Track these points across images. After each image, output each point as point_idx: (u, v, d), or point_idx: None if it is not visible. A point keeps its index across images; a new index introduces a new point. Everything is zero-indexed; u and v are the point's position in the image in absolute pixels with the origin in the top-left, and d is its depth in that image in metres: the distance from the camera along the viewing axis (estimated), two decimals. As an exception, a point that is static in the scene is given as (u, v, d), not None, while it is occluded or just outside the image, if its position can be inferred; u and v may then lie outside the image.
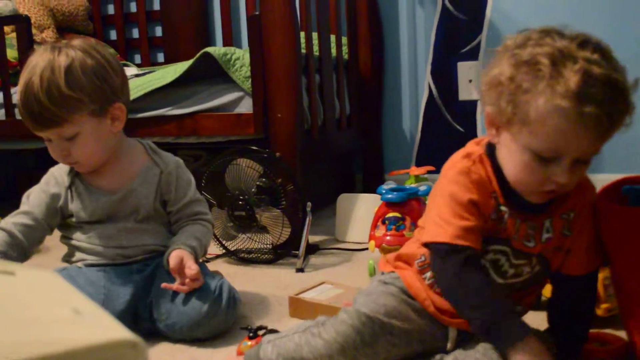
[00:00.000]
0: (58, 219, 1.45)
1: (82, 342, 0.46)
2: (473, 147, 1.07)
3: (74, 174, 1.45)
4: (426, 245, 1.07)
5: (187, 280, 1.36)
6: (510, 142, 0.98)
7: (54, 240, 1.55)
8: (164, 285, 1.37)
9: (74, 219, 1.45)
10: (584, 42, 0.92)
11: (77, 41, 1.38)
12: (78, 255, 1.45)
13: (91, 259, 1.43)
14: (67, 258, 1.49)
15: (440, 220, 1.03)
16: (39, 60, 1.33)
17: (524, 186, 1.01)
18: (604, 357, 1.18)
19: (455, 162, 1.06)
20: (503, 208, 1.04)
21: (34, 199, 1.45)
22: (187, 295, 1.37)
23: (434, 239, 1.04)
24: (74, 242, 1.46)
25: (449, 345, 1.12)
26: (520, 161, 0.97)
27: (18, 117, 2.44)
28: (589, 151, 0.95)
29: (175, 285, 1.36)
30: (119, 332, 0.49)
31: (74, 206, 1.43)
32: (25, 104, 1.32)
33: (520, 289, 1.13)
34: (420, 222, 1.20)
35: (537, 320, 1.17)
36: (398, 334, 1.09)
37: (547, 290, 1.47)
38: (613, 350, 1.20)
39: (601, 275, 1.32)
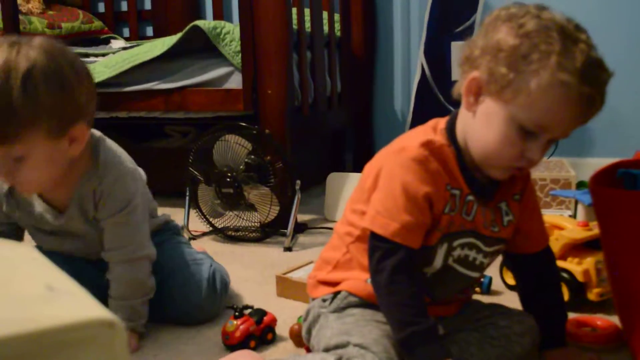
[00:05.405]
0: None
1: (54, 321, 0.43)
2: (433, 135, 1.01)
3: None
4: (370, 232, 0.99)
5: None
6: (496, 111, 0.94)
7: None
8: None
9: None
10: (578, 25, 0.93)
11: (39, 40, 1.11)
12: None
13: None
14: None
15: (385, 211, 0.97)
16: None
17: (495, 160, 0.97)
18: (595, 342, 1.17)
19: (411, 146, 0.98)
20: (470, 197, 1.00)
21: None
22: (179, 287, 1.35)
23: (374, 228, 0.98)
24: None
25: (441, 330, 1.02)
26: (502, 132, 0.94)
27: None
28: (568, 131, 0.96)
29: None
30: (96, 310, 0.46)
31: (17, 215, 1.32)
32: None
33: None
34: (351, 203, 1.09)
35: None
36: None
37: (508, 277, 1.46)
38: (604, 335, 1.18)
39: (593, 259, 1.31)
